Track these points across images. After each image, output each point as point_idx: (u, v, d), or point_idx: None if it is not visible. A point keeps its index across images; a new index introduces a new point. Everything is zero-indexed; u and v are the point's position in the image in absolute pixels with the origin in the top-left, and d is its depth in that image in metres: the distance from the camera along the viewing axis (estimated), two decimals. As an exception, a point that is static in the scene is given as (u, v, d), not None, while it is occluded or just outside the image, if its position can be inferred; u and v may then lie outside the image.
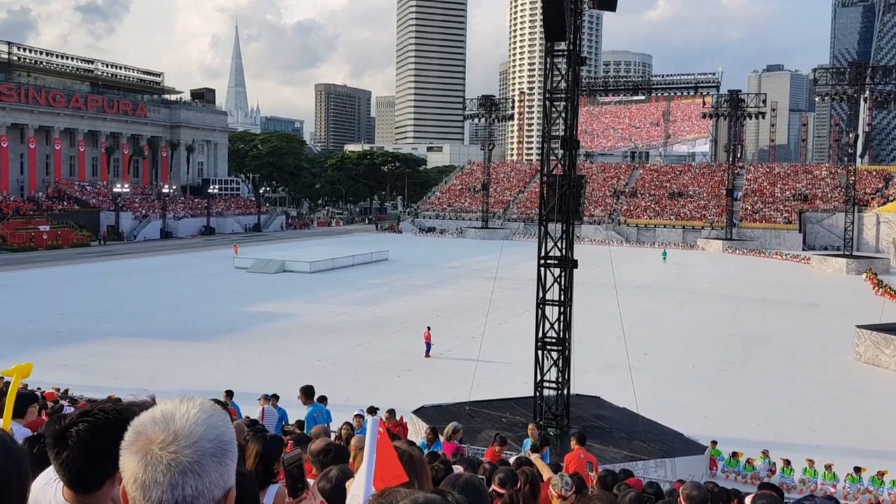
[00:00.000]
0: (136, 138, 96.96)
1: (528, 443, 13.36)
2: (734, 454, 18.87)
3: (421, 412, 19.36)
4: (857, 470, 17.78)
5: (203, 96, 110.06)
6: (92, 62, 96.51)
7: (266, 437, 4.42)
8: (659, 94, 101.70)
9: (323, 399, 15.49)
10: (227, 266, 57.56)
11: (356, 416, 14.05)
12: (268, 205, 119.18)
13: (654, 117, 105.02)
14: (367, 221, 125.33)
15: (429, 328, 29.85)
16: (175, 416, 1.49)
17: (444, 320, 37.44)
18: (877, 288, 50.56)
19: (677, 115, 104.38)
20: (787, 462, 18.37)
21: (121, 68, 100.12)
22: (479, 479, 3.40)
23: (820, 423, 22.56)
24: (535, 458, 9.96)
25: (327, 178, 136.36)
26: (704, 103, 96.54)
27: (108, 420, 1.94)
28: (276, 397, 15.98)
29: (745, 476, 18.05)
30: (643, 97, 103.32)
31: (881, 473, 17.52)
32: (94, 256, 65.10)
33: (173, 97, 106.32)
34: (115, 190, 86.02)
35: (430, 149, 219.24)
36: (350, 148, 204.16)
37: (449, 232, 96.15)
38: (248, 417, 13.62)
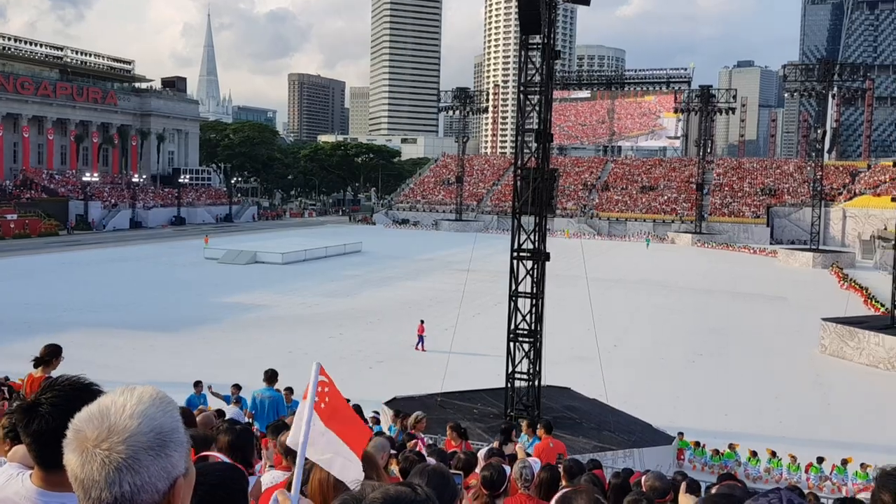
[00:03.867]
0: (106, 127, 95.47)
1: (523, 437, 13.44)
2: (698, 444, 19.20)
3: (393, 403, 19.40)
4: (820, 460, 18.17)
5: (174, 85, 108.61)
6: (61, 49, 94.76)
7: (236, 430, 4.42)
8: (604, 93, 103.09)
9: (290, 390, 15.50)
10: (197, 257, 57.03)
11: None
12: (239, 195, 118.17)
13: (600, 115, 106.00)
14: (340, 213, 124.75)
15: (422, 321, 29.73)
16: (110, 410, 1.46)
17: (418, 312, 37.45)
18: (842, 282, 51.53)
19: (622, 112, 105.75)
20: (754, 453, 18.73)
21: (90, 55, 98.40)
22: (446, 468, 3.45)
23: (785, 414, 22.99)
24: (518, 447, 10.06)
25: (300, 168, 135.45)
26: (677, 99, 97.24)
27: (77, 386, 1.94)
28: (237, 387, 15.98)
29: (713, 466, 18.36)
30: (588, 94, 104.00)
31: (844, 462, 17.92)
32: (62, 246, 64.10)
33: (144, 85, 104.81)
34: (84, 179, 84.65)
35: (404, 141, 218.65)
36: (323, 139, 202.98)
37: (423, 224, 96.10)
38: (214, 410, 13.57)
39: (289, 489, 2.74)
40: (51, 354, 7.47)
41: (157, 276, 47.40)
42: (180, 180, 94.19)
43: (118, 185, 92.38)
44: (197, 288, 43.23)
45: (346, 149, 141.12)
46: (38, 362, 7.45)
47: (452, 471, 6.35)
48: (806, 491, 14.27)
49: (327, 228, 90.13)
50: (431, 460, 6.87)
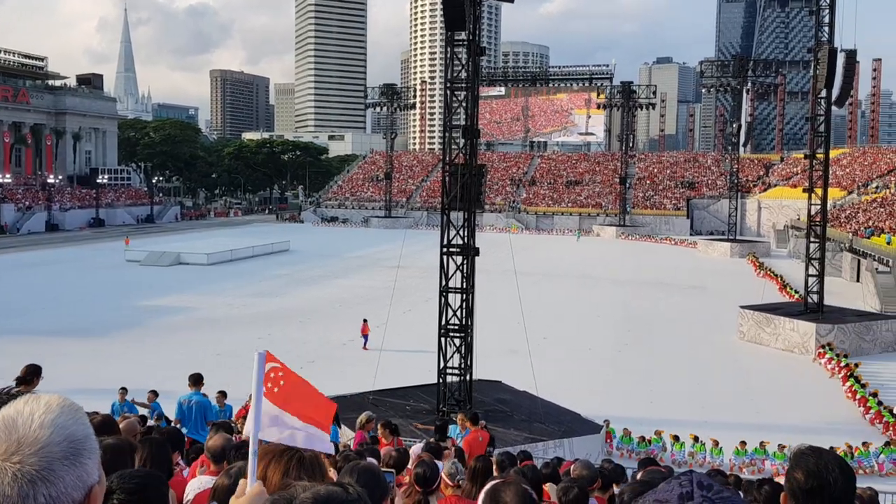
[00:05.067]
0: (18, 126, 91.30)
1: (455, 429, 13.49)
2: (626, 431, 19.72)
3: (324, 403, 19.23)
4: (743, 443, 18.92)
5: (90, 82, 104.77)
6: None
7: (155, 440, 4.34)
8: (518, 90, 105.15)
9: (223, 394, 15.22)
10: (118, 259, 55.19)
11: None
12: (161, 195, 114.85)
13: (514, 112, 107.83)
14: (267, 211, 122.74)
15: (365, 320, 29.45)
16: (17, 422, 1.39)
17: (348, 310, 37.26)
18: (758, 270, 53.64)
19: (535, 110, 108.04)
20: (677, 437, 19.34)
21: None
22: (377, 466, 3.46)
23: (707, 399, 23.83)
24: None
25: (224, 167, 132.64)
26: (599, 94, 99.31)
27: None
28: (154, 393, 15.64)
29: (639, 453, 18.86)
30: (502, 92, 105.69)
31: (763, 444, 18.70)
32: (-30, 251, 61.07)
33: (58, 83, 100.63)
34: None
35: (331, 137, 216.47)
36: (248, 136, 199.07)
37: (352, 221, 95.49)
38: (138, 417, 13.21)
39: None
40: (31, 374, 7.68)
41: (75, 280, 45.69)
42: (98, 180, 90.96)
43: (32, 186, 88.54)
44: (118, 291, 41.87)
45: (271, 146, 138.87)
46: (19, 381, 7.50)
47: (384, 469, 6.35)
48: (728, 472, 14.83)
49: (254, 227, 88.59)
50: (370, 459, 6.85)
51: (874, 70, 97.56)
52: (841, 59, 31.90)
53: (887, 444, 19.05)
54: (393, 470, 6.65)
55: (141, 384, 18.11)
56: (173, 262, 53.74)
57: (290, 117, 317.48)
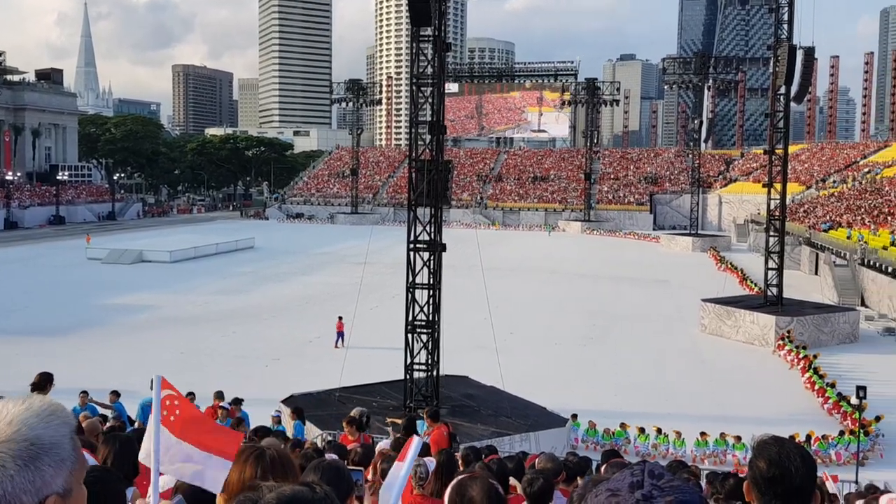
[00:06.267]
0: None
1: (422, 424, 13.51)
2: (591, 424, 19.94)
3: (291, 401, 19.16)
4: (704, 434, 19.26)
5: (50, 77, 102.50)
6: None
7: (121, 437, 4.31)
8: (472, 87, 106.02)
9: (191, 395, 15.09)
10: (79, 257, 54.20)
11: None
12: (123, 192, 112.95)
13: (468, 110, 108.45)
14: (231, 208, 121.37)
15: (340, 318, 29.21)
16: None
17: (314, 307, 37.11)
18: (719, 264, 54.53)
19: (489, 108, 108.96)
20: (642, 429, 19.62)
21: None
22: (342, 463, 3.47)
23: (670, 392, 24.19)
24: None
25: (187, 163, 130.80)
26: (563, 91, 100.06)
27: None
28: (116, 394, 15.47)
29: (604, 445, 19.09)
30: (456, 89, 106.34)
31: (723, 435, 19.06)
32: (-76, 250, 59.48)
33: (16, 78, 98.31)
34: (-53, 177, 78.78)
35: (296, 133, 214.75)
36: (211, 132, 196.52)
37: (318, 218, 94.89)
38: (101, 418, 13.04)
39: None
40: (44, 381, 7.82)
41: (34, 279, 44.77)
42: (59, 177, 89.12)
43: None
44: (79, 290, 41.13)
45: (235, 142, 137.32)
46: (33, 388, 7.60)
47: (352, 467, 6.36)
48: (690, 464, 15.09)
49: (218, 224, 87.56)
50: (332, 456, 6.86)
51: (832, 67, 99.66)
52: (800, 57, 32.56)
53: (841, 433, 19.54)
54: (361, 468, 6.65)
55: (103, 384, 17.85)
56: (135, 260, 52.91)
57: (254, 113, 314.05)
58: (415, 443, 2.91)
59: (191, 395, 15.03)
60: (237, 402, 15.88)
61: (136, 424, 13.48)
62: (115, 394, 15.35)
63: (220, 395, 16.07)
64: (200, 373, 23.72)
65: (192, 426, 2.81)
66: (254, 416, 15.60)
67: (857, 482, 15.36)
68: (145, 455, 2.69)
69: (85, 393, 15.95)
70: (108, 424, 11.80)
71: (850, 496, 8.84)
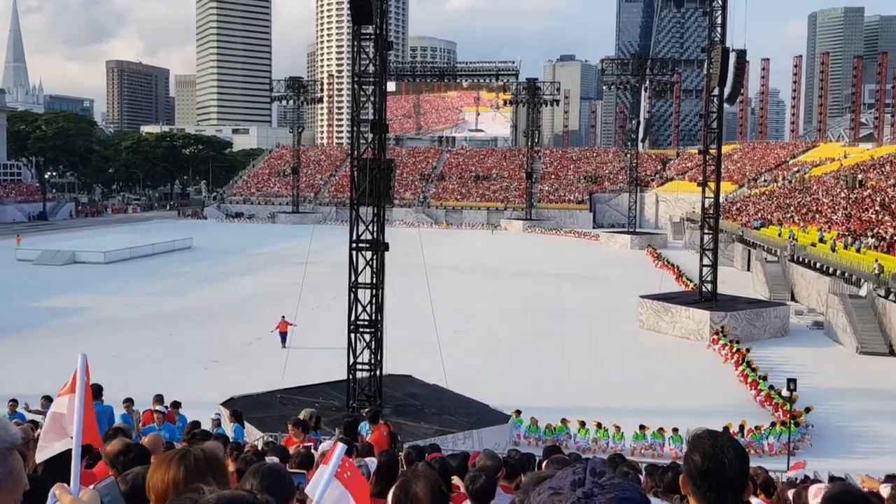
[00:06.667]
0: None
1: (364, 426, 13.42)
2: (533, 420, 20.16)
3: (230, 403, 18.84)
4: (642, 427, 19.67)
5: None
6: None
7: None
8: (409, 87, 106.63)
9: (129, 401, 14.79)
10: (8, 258, 52.24)
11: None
12: (55, 191, 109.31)
13: (406, 110, 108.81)
14: (168, 208, 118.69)
15: (284, 317, 28.79)
16: None
17: (255, 308, 36.56)
18: (656, 261, 55.76)
19: (427, 107, 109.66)
20: (583, 423, 19.94)
21: None
22: (282, 466, 3.44)
23: (610, 386, 24.64)
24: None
25: (122, 161, 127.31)
26: (505, 91, 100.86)
27: None
28: (48, 399, 14.96)
29: (546, 441, 19.33)
30: (393, 88, 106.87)
31: (661, 430, 19.50)
32: None
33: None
34: None
35: (235, 131, 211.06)
36: (147, 129, 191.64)
37: (258, 217, 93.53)
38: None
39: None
40: None
41: (-42, 282, 42.98)
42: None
43: None
44: (8, 292, 39.61)
45: (172, 140, 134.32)
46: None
47: (293, 470, 6.29)
48: (629, 457, 15.39)
49: (154, 224, 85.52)
50: (273, 459, 6.76)
51: (762, 69, 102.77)
52: (732, 59, 33.52)
53: (773, 424, 20.21)
54: (304, 471, 6.56)
55: (35, 390, 17.24)
56: (68, 261, 51.33)
57: (191, 110, 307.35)
58: (339, 447, 2.90)
59: (129, 401, 14.69)
60: (175, 405, 15.55)
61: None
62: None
63: (159, 399, 15.70)
64: (136, 376, 23.12)
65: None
66: (193, 420, 15.29)
67: (787, 472, 15.88)
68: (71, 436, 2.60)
69: (14, 402, 15.42)
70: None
71: (781, 486, 9.13)
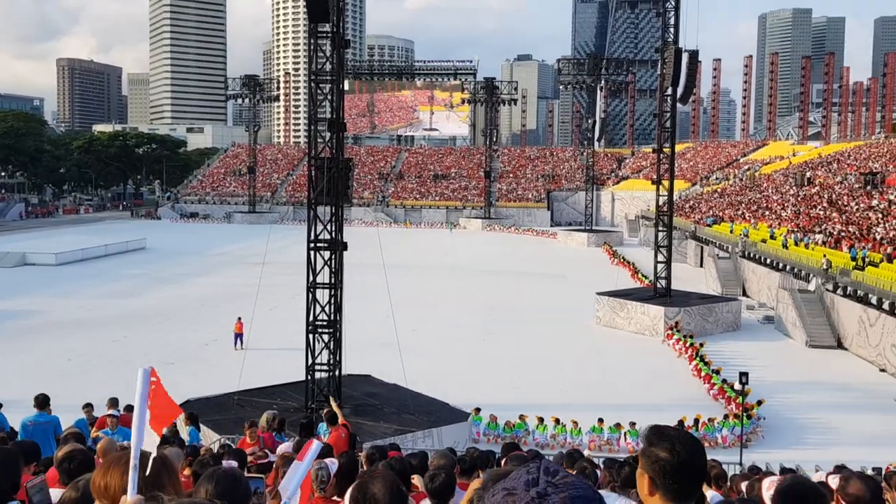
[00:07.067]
0: None
1: (322, 426, 13.35)
2: (492, 417, 20.29)
3: (186, 406, 18.56)
4: (601, 421, 19.92)
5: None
6: None
7: (2, 451, 4.07)
8: (363, 85, 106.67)
9: (89, 406, 14.41)
10: (-48, 261, 50.69)
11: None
12: (4, 191, 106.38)
13: (360, 108, 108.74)
14: (121, 208, 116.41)
15: (240, 318, 28.37)
16: None
17: (211, 309, 36.10)
18: (613, 258, 56.49)
19: (381, 106, 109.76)
20: (541, 419, 20.12)
21: None
22: (238, 471, 3.41)
23: (568, 383, 24.90)
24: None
25: (74, 161, 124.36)
26: (462, 90, 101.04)
27: None
28: None
29: (505, 437, 19.46)
30: (346, 87, 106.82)
31: (618, 425, 19.77)
32: None
33: None
34: None
35: (190, 130, 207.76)
36: (99, 129, 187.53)
37: (214, 217, 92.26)
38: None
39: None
40: None
41: None
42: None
43: None
44: (-48, 296, 38.48)
45: (125, 139, 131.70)
46: None
47: (251, 475, 6.24)
48: (586, 453, 15.58)
49: (107, 225, 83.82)
50: (230, 462, 6.70)
51: (714, 70, 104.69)
52: (685, 59, 34.08)
53: (726, 417, 20.65)
54: (261, 475, 6.50)
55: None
56: (18, 263, 50.05)
57: (145, 109, 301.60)
58: (314, 445, 2.92)
59: (88, 406, 14.35)
60: (130, 409, 15.21)
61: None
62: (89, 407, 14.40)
63: (113, 402, 15.34)
64: (89, 380, 22.68)
65: (160, 405, 2.80)
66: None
67: (741, 464, 16.27)
68: (134, 445, 2.56)
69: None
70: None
71: (734, 478, 9.35)
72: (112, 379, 23.36)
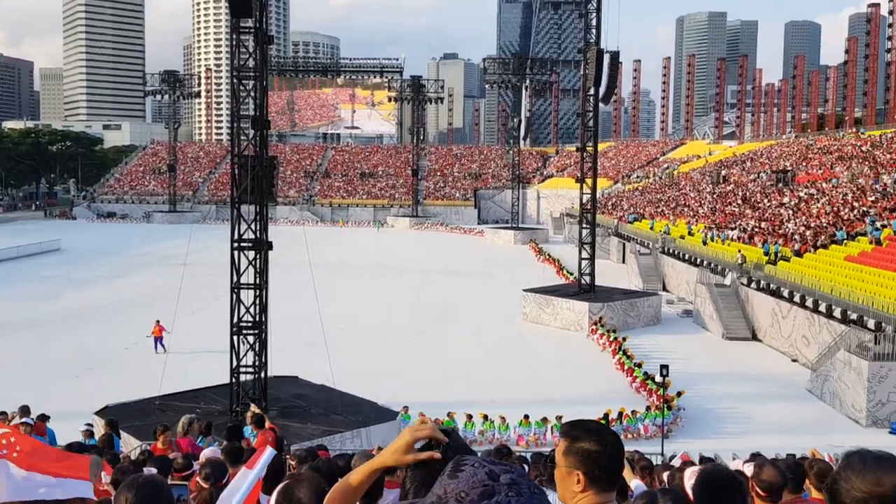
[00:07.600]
0: None
1: (248, 430, 13.07)
2: (421, 416, 20.31)
3: (105, 412, 17.95)
4: (526, 417, 20.20)
5: None
6: None
7: None
8: (282, 83, 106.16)
9: (3, 414, 13.78)
10: None
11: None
12: None
13: (279, 106, 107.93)
14: (33, 208, 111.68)
15: (158, 321, 27.46)
16: None
17: (130, 312, 34.97)
18: (539, 255, 57.34)
19: (302, 104, 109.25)
20: (469, 416, 20.26)
21: None
22: (160, 477, 3.34)
23: (496, 379, 25.16)
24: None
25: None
26: (388, 88, 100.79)
27: None
28: None
29: (434, 435, 19.52)
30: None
31: (545, 419, 20.09)
32: None
33: None
34: None
35: (106, 127, 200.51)
36: (10, 125, 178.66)
37: (132, 217, 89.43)
38: None
39: None
40: None
41: None
42: None
43: None
44: None
45: (37, 136, 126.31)
46: None
47: (175, 482, 6.09)
48: (514, 448, 15.80)
49: (18, 225, 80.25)
50: (151, 470, 6.51)
51: (635, 70, 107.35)
52: (606, 60, 34.87)
53: (648, 408, 21.25)
54: (185, 483, 6.33)
55: None
56: (-83, 267, 47.35)
57: (58, 105, 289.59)
58: (267, 452, 2.89)
59: (2, 414, 13.73)
60: (43, 418, 14.60)
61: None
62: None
63: (25, 411, 14.69)
64: (2, 387, 21.64)
65: (39, 456, 2.74)
66: (64, 431, 14.43)
67: (662, 454, 16.76)
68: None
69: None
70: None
71: (656, 468, 9.62)
72: (25, 385, 22.41)
